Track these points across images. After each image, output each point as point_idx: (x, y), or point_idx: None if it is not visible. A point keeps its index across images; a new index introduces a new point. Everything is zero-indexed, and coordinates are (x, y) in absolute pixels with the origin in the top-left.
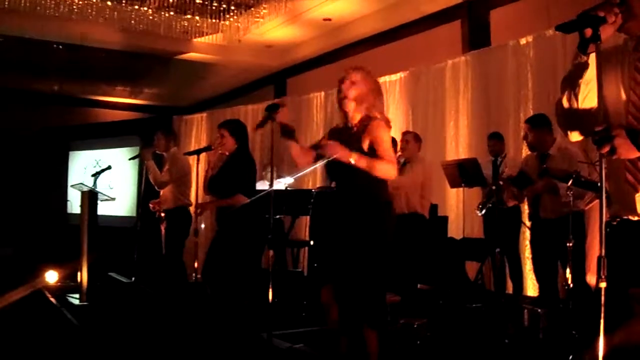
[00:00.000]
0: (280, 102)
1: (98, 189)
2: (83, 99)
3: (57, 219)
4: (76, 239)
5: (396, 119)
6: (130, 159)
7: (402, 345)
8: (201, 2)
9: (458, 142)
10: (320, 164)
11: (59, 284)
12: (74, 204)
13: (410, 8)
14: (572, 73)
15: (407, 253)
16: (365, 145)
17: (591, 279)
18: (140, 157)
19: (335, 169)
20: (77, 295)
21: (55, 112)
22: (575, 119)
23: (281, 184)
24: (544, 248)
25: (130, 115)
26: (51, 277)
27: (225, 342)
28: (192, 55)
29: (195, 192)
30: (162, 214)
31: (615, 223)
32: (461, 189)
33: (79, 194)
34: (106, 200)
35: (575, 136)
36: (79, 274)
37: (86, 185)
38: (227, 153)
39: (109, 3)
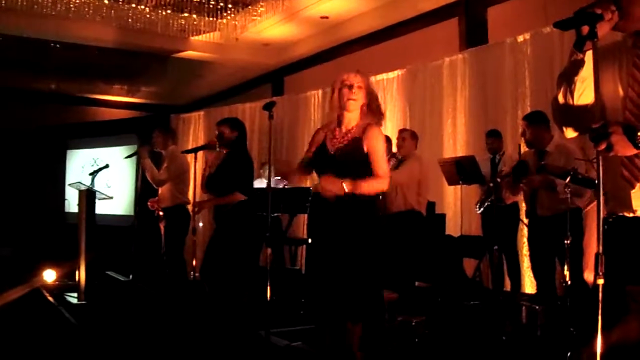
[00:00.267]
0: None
1: (96, 188)
2: (80, 98)
3: (55, 218)
4: (74, 237)
5: (393, 116)
6: (126, 157)
7: (400, 342)
8: (198, 0)
9: (455, 140)
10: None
11: (57, 282)
12: (72, 203)
13: (408, 5)
14: (568, 69)
15: (404, 250)
16: (365, 146)
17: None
18: (136, 156)
19: (320, 164)
20: (75, 294)
21: (52, 111)
22: (571, 115)
23: (279, 182)
24: (541, 245)
25: (128, 113)
26: (49, 276)
27: (223, 339)
28: (189, 54)
29: (193, 190)
30: (161, 213)
31: (611, 220)
32: (459, 186)
33: (76, 192)
34: (104, 199)
35: (570, 132)
36: (76, 272)
37: (84, 184)
38: (224, 150)
39: (106, 2)
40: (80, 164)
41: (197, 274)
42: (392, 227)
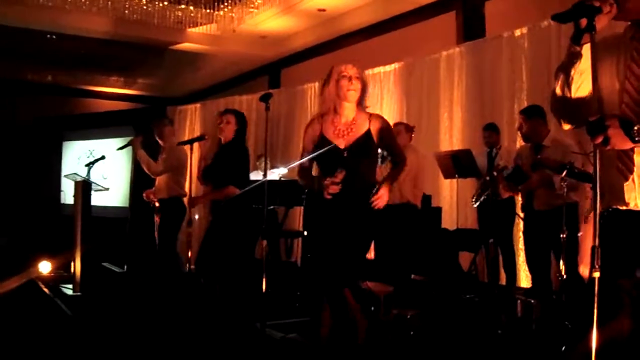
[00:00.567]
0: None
1: (92, 179)
2: (77, 89)
3: (51, 209)
4: (70, 229)
5: (390, 110)
6: (119, 149)
7: (395, 336)
8: None
9: (452, 133)
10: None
11: (52, 274)
12: (68, 194)
13: None
14: (566, 62)
15: (400, 243)
16: (375, 138)
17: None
18: (130, 147)
19: (330, 162)
20: (70, 286)
21: (48, 102)
22: (569, 107)
23: (275, 174)
24: (537, 239)
25: (124, 105)
26: (44, 267)
27: (219, 332)
28: (186, 46)
29: (189, 182)
30: (157, 204)
31: (606, 213)
32: (455, 179)
33: (72, 184)
34: (100, 190)
35: (567, 125)
36: (72, 264)
37: (80, 176)
38: (223, 141)
39: None
40: (76, 156)
41: (192, 266)
42: (387, 219)
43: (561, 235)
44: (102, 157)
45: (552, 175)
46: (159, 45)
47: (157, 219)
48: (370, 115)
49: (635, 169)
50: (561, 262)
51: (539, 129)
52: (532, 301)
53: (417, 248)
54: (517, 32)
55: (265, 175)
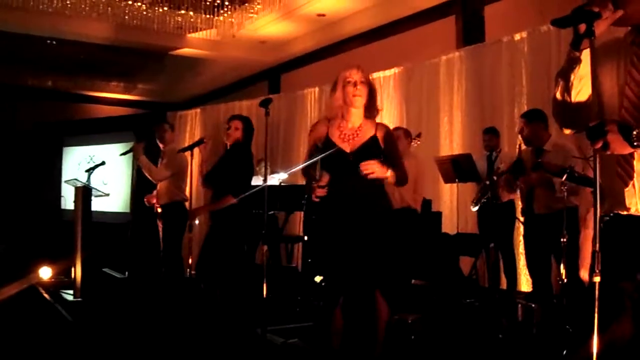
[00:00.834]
0: None
1: (92, 185)
2: (77, 95)
3: (51, 215)
4: (70, 234)
5: (390, 114)
6: (121, 154)
7: (396, 340)
8: None
9: (452, 138)
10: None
11: (52, 279)
12: (68, 200)
13: (404, 4)
14: (566, 67)
15: (400, 248)
16: (381, 144)
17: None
18: (131, 153)
19: (335, 166)
20: (71, 291)
21: (49, 108)
22: (569, 112)
23: (275, 179)
24: (537, 243)
25: (124, 110)
26: (45, 273)
27: (219, 337)
28: (186, 51)
29: (189, 187)
30: (159, 209)
31: (607, 218)
32: (455, 184)
33: (72, 189)
34: (100, 196)
35: (568, 130)
36: (72, 269)
37: (80, 181)
38: (229, 145)
39: None
40: (76, 161)
41: (193, 272)
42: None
43: (562, 239)
44: (102, 163)
45: (552, 176)
46: (159, 51)
47: (159, 224)
48: (377, 123)
49: (635, 174)
50: (562, 266)
51: (540, 133)
52: (533, 305)
53: (417, 252)
54: (517, 37)
55: (265, 180)
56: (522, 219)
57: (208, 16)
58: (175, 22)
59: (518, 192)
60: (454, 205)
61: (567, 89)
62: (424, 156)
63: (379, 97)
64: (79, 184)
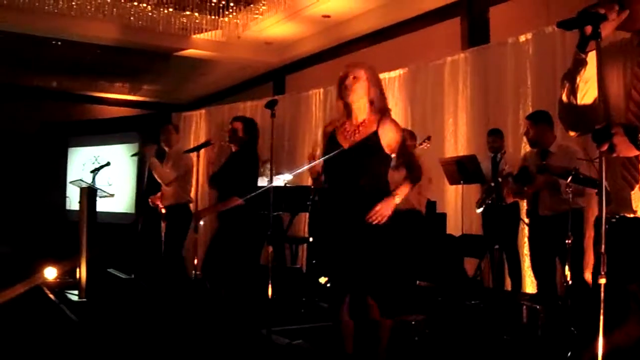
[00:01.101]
0: None
1: (97, 186)
2: (82, 95)
3: (56, 216)
4: (75, 235)
5: (395, 116)
6: (132, 156)
7: (401, 341)
8: None
9: (457, 139)
10: (320, 161)
11: (57, 280)
12: (73, 201)
13: (410, 5)
14: (571, 70)
15: (405, 249)
16: (384, 145)
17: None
18: (142, 154)
19: (336, 167)
20: (76, 292)
21: (54, 109)
22: (575, 115)
23: (280, 180)
24: (542, 245)
25: (129, 111)
26: (50, 273)
27: (224, 338)
28: (191, 52)
29: (195, 189)
30: (164, 210)
31: (614, 220)
32: (460, 185)
33: (77, 190)
34: (105, 196)
35: (574, 132)
36: (77, 270)
37: (85, 182)
38: (233, 148)
39: (107, 0)
40: (81, 162)
41: (198, 272)
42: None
43: (567, 241)
44: (108, 164)
45: (557, 178)
46: (164, 52)
47: (163, 225)
48: (382, 118)
49: None
50: (567, 267)
51: (546, 135)
52: (538, 307)
53: (422, 254)
54: (522, 38)
55: (270, 181)
56: (527, 220)
57: (213, 17)
58: (181, 23)
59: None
60: (458, 207)
61: (572, 91)
62: (428, 157)
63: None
64: (84, 185)
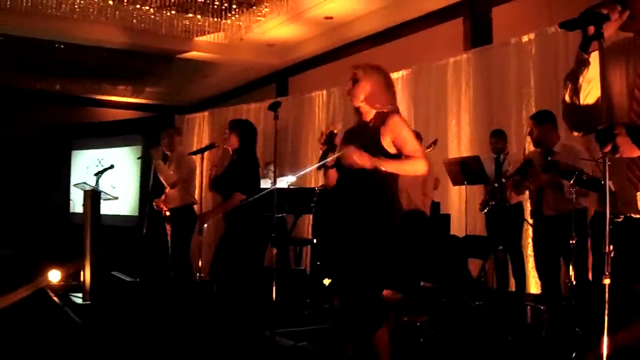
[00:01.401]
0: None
1: (101, 188)
2: (85, 98)
3: (60, 218)
4: (79, 238)
5: None
6: (138, 158)
7: (405, 342)
8: (203, 1)
9: (460, 140)
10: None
11: (61, 283)
12: (77, 203)
13: (412, 6)
14: (574, 70)
15: (409, 250)
16: (386, 143)
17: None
18: (148, 157)
19: (340, 169)
20: (80, 294)
21: (57, 112)
22: (578, 115)
23: (283, 182)
24: (546, 245)
25: (133, 114)
26: (54, 276)
27: (229, 340)
28: (194, 54)
29: (199, 191)
30: (168, 213)
31: (619, 220)
32: (463, 186)
33: (81, 193)
34: (109, 199)
35: (578, 132)
36: (81, 273)
37: (89, 185)
38: (230, 150)
39: (110, 2)
40: (85, 165)
41: (202, 275)
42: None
43: (571, 241)
44: (111, 166)
45: (561, 178)
46: (166, 54)
47: (168, 228)
48: (387, 113)
49: None
50: (571, 268)
51: (550, 135)
52: (542, 307)
53: (426, 255)
54: (525, 38)
55: (274, 183)
56: (531, 221)
57: (216, 19)
58: (183, 26)
59: (526, 193)
60: (462, 208)
61: (575, 92)
62: (432, 158)
63: (368, 85)
64: (87, 188)
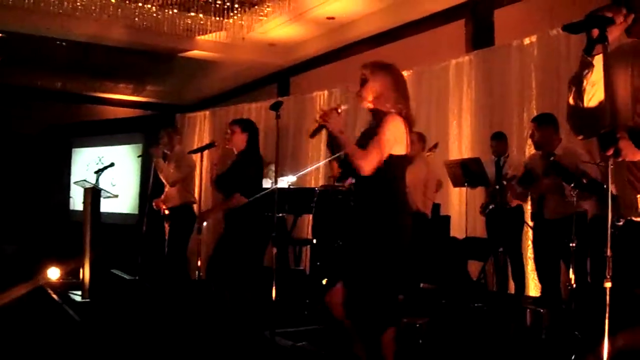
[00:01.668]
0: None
1: (101, 186)
2: (86, 96)
3: (60, 216)
4: (79, 235)
5: None
6: (138, 157)
7: (405, 344)
8: (205, 0)
9: (461, 142)
10: (328, 160)
11: (61, 280)
12: (77, 201)
13: (414, 7)
14: (578, 73)
15: (409, 252)
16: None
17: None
18: (148, 155)
19: (349, 165)
20: (79, 292)
21: (58, 109)
22: (582, 118)
23: (284, 182)
24: (546, 248)
25: (134, 112)
26: (53, 273)
27: (228, 340)
28: (195, 53)
29: (199, 190)
30: (167, 212)
31: (620, 224)
32: (464, 188)
33: (81, 190)
34: (109, 197)
35: (582, 135)
36: (81, 270)
37: (89, 182)
38: (235, 150)
39: (112, 0)
40: (85, 162)
41: (201, 274)
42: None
43: (571, 244)
44: (112, 164)
45: (562, 182)
46: (168, 53)
47: (167, 226)
48: (386, 113)
49: None
50: (571, 271)
51: (551, 138)
52: (542, 310)
53: (426, 256)
54: (527, 41)
55: (275, 183)
56: (531, 223)
57: (218, 19)
58: (185, 25)
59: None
60: (462, 210)
61: (579, 95)
62: (433, 160)
63: (375, 85)
64: (88, 185)
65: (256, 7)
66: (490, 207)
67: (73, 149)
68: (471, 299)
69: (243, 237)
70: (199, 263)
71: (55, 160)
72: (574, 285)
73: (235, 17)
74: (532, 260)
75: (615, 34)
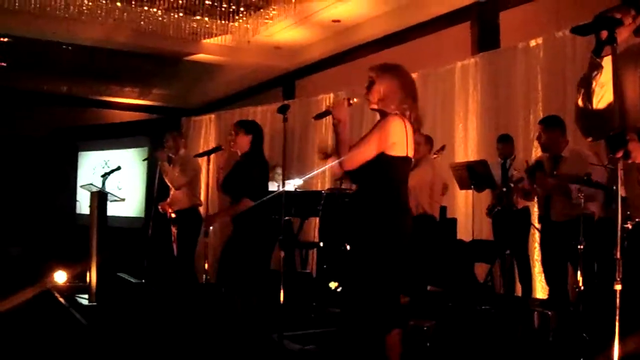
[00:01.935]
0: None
1: (107, 190)
2: (92, 100)
3: (66, 220)
4: (85, 239)
5: None
6: (144, 160)
7: (412, 347)
8: (210, 3)
9: (467, 144)
10: (332, 164)
11: (68, 284)
12: (83, 205)
13: (420, 10)
14: (587, 74)
15: (416, 254)
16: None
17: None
18: (154, 159)
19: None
20: (86, 296)
21: (64, 113)
22: (591, 119)
23: (290, 185)
24: (554, 250)
25: (139, 116)
26: (60, 277)
27: (236, 343)
28: (201, 57)
29: (205, 193)
30: (173, 215)
31: (630, 226)
32: (470, 190)
33: (88, 194)
34: (115, 200)
35: (591, 137)
36: (88, 274)
37: (95, 186)
38: (239, 152)
39: (118, 4)
40: (91, 166)
41: (209, 277)
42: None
43: (578, 247)
44: (118, 168)
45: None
46: (174, 56)
47: (174, 230)
48: (387, 114)
49: None
50: (579, 273)
51: (558, 140)
52: (549, 312)
53: (433, 259)
54: (532, 43)
55: (283, 185)
56: (538, 225)
57: (223, 22)
58: (191, 28)
59: (535, 199)
60: (469, 212)
61: (588, 96)
62: (439, 162)
63: (381, 87)
64: (94, 189)
65: (262, 10)
66: (497, 208)
67: (79, 153)
68: (478, 302)
69: (251, 240)
70: (206, 266)
71: (62, 164)
72: (582, 288)
73: (241, 21)
74: (539, 263)
75: (624, 35)
